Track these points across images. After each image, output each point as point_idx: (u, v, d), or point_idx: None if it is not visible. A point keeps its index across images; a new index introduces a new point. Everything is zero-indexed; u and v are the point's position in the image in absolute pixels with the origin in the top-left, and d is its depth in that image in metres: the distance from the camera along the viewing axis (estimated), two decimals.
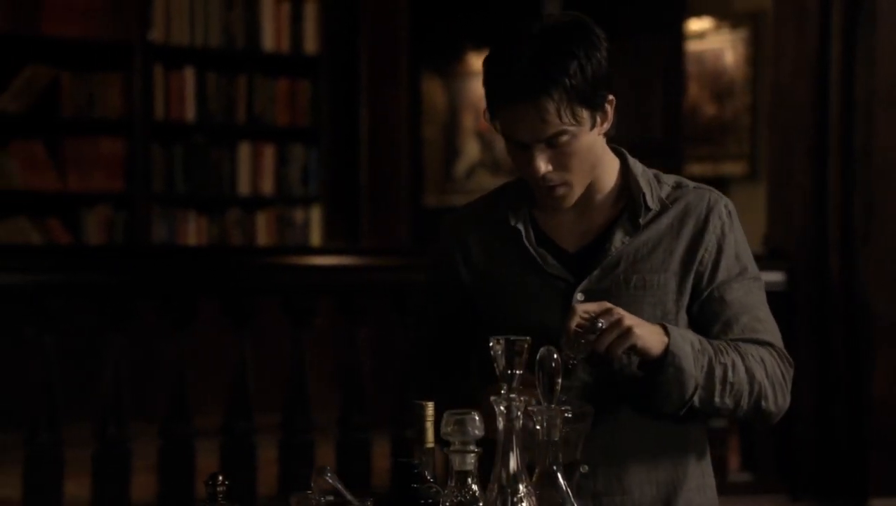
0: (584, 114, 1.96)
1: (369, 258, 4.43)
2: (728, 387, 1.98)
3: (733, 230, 2.07)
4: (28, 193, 5.98)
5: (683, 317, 2.04)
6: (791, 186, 4.62)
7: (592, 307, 1.89)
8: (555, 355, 1.57)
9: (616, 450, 2.01)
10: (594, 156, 2.02)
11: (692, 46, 7.19)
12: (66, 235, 6.02)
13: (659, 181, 2.11)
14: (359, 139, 6.46)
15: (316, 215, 6.49)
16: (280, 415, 3.96)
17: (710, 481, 2.12)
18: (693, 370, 1.95)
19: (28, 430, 3.70)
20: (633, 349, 1.90)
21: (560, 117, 1.93)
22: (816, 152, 4.54)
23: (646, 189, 2.07)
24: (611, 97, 2.00)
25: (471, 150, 7.91)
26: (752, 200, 6.71)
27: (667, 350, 1.92)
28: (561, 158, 1.98)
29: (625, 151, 2.13)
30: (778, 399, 2.04)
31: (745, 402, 2.00)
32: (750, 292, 2.06)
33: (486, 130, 7.00)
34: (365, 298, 4.11)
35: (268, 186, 6.40)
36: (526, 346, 1.53)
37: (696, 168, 7.18)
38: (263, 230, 6.40)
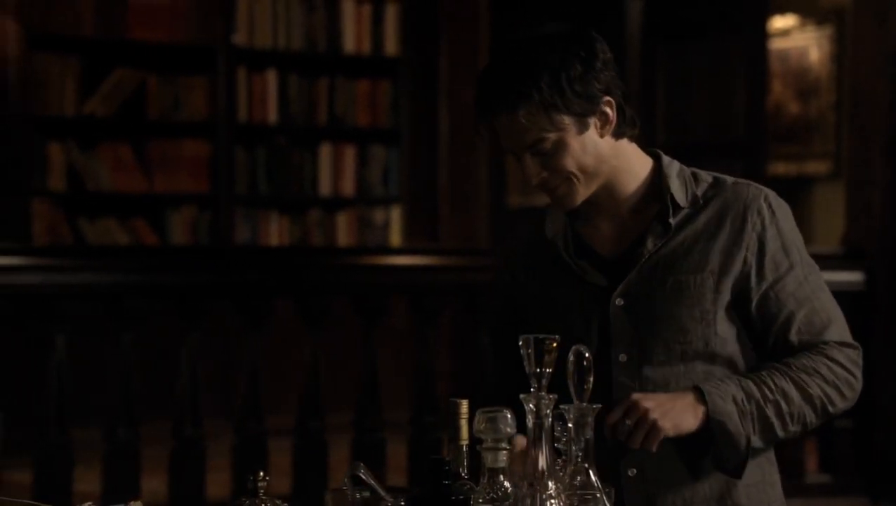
0: (566, 119, 1.98)
1: (443, 258, 4.44)
2: (788, 418, 1.99)
3: (775, 223, 2.05)
4: (116, 194, 6.11)
5: (723, 315, 2.02)
6: (870, 185, 4.56)
7: (618, 413, 1.90)
8: (586, 354, 1.58)
9: (665, 449, 2.01)
10: (595, 155, 2.02)
11: (776, 44, 7.10)
12: (152, 236, 6.14)
13: (696, 179, 2.09)
14: (439, 139, 6.49)
15: (396, 216, 6.54)
16: (353, 413, 4.00)
17: (775, 477, 2.11)
18: (740, 428, 1.96)
19: (107, 426, 3.79)
20: (668, 438, 1.91)
21: (534, 126, 1.97)
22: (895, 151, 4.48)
23: (677, 188, 2.06)
24: (607, 99, 2.00)
25: None
26: (838, 199, 6.62)
27: (707, 418, 1.93)
28: (553, 163, 2.00)
29: (660, 152, 2.13)
30: (846, 394, 2.04)
31: (811, 419, 2.01)
32: (804, 283, 2.05)
33: None
34: (439, 298, 4.14)
35: (348, 186, 6.46)
36: (554, 344, 1.54)
37: (780, 167, 7.10)
38: (344, 231, 6.46)
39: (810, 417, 2.01)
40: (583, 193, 2.04)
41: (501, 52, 2.02)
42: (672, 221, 2.04)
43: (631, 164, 2.08)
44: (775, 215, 2.06)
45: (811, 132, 7.07)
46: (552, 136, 1.98)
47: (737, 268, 2.03)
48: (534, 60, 1.96)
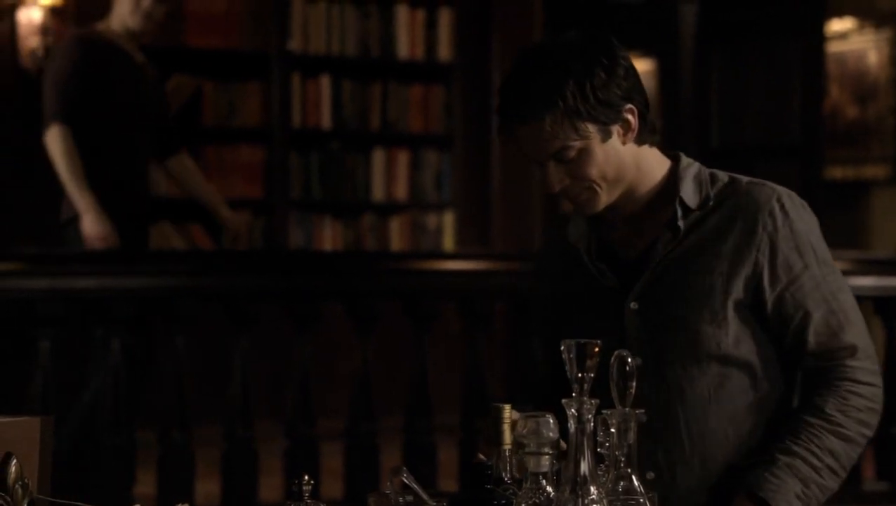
0: (590, 127, 1.98)
1: (495, 263, 4.45)
2: (841, 471, 2.01)
3: (788, 224, 2.03)
4: (172, 199, 6.17)
5: (735, 317, 2.01)
6: None
7: None
8: (629, 359, 1.58)
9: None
10: (618, 163, 2.02)
11: (833, 47, 7.03)
12: (207, 241, 6.19)
13: (713, 180, 2.08)
14: (491, 145, 6.49)
15: (449, 221, 6.55)
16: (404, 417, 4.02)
17: None
18: None
19: (161, 429, 3.83)
20: None
21: (559, 135, 1.97)
22: None
23: (689, 191, 2.05)
24: (629, 106, 2.00)
25: None
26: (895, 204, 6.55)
27: None
28: (575, 170, 2.01)
29: (681, 155, 2.12)
30: (877, 409, 2.04)
31: (858, 454, 2.03)
32: (821, 284, 2.03)
33: None
34: (490, 302, 4.14)
35: (401, 191, 6.48)
36: (596, 349, 1.54)
37: (838, 171, 7.03)
38: (397, 235, 6.48)
39: (856, 453, 2.02)
40: (605, 199, 2.04)
41: (522, 60, 2.01)
42: (681, 223, 2.04)
43: (652, 169, 2.08)
44: (788, 216, 2.03)
45: (869, 136, 6.99)
46: (577, 144, 1.98)
47: (748, 269, 2.02)
48: (558, 69, 1.97)
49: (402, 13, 6.46)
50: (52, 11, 5.76)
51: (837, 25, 7.07)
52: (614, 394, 1.58)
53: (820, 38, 6.87)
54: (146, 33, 4.51)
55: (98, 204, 4.08)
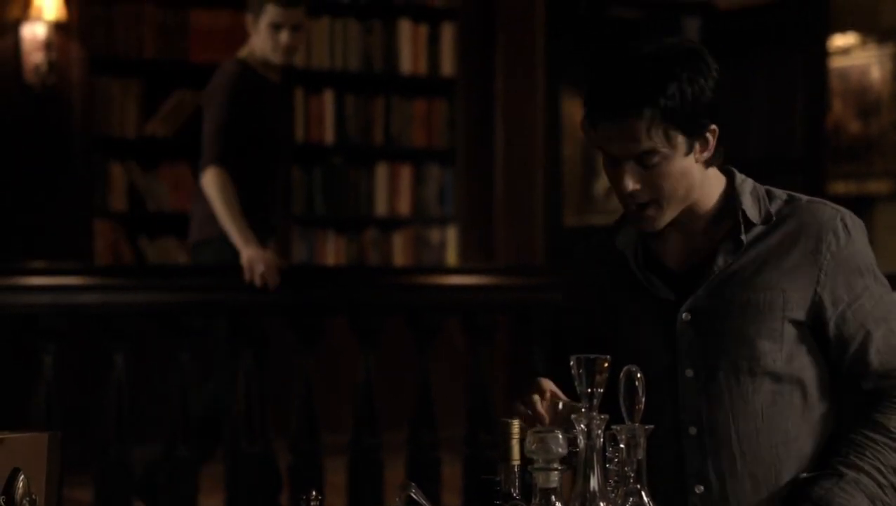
0: (679, 138, 1.97)
1: (498, 277, 4.45)
2: None
3: (850, 244, 2.03)
4: (175, 214, 6.17)
5: (792, 334, 2.01)
6: None
7: None
8: (637, 374, 1.57)
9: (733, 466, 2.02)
10: (689, 182, 2.02)
11: (836, 62, 7.04)
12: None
13: (770, 197, 2.08)
14: (494, 160, 6.50)
15: (452, 235, 6.55)
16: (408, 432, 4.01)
17: None
18: None
19: (165, 445, 3.82)
20: None
21: (651, 137, 1.95)
22: None
23: (749, 206, 2.05)
24: (713, 127, 2.00)
25: None
26: None
27: None
28: (651, 179, 1.99)
29: (734, 170, 2.12)
30: None
31: None
32: (879, 303, 2.03)
33: None
34: (493, 316, 4.14)
35: (404, 206, 6.48)
36: (605, 364, 1.54)
37: (840, 186, 7.02)
38: (400, 250, 6.48)
39: None
40: (667, 217, 2.03)
41: (621, 57, 1.99)
42: (744, 237, 2.03)
43: (712, 188, 2.07)
44: (851, 236, 2.04)
45: (872, 151, 7.00)
46: (663, 150, 1.97)
47: (809, 289, 2.02)
48: (663, 68, 1.95)
49: (404, 28, 6.47)
50: (57, 27, 5.77)
51: (840, 41, 7.07)
52: (623, 410, 1.58)
53: (823, 54, 6.88)
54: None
55: (254, 236, 4.05)
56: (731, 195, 2.07)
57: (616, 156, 1.99)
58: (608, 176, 2.03)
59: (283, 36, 4.25)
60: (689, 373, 2.01)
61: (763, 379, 2.01)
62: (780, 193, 2.09)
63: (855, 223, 2.06)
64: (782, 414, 2.02)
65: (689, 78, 1.95)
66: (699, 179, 2.04)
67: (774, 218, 2.05)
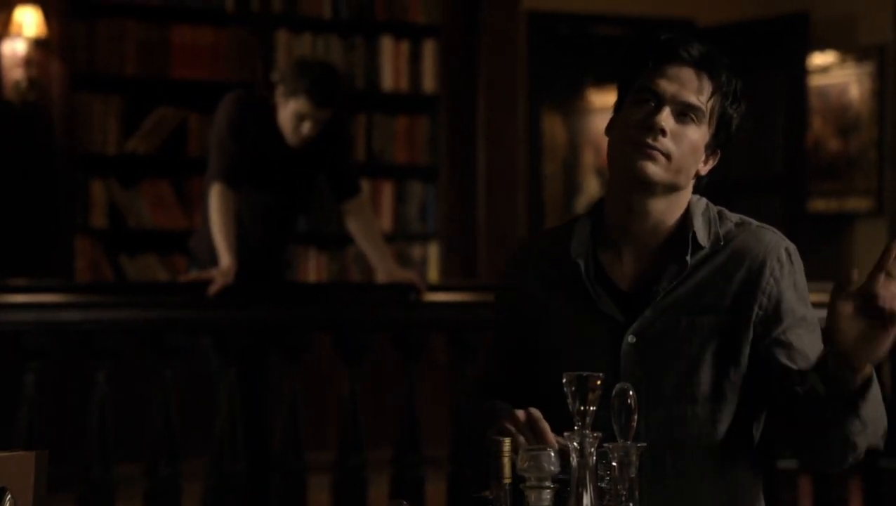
0: (711, 125, 2.02)
1: (480, 294, 4.44)
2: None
3: (793, 274, 2.04)
4: (156, 231, 6.15)
5: (733, 358, 2.01)
6: None
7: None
8: (630, 392, 1.57)
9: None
10: (689, 163, 2.03)
11: (816, 81, 7.08)
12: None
13: (722, 218, 2.08)
14: (476, 176, 6.50)
15: (434, 252, 6.55)
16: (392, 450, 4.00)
17: None
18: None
19: (148, 462, 3.80)
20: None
21: (702, 98, 2.00)
22: None
23: (700, 227, 2.04)
24: (719, 152, 2.06)
25: (591, 186, 7.90)
26: (880, 236, 6.57)
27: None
28: (678, 131, 2.00)
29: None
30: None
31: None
32: (816, 337, 2.03)
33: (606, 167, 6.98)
34: (477, 333, 4.13)
35: (386, 222, 6.47)
36: (598, 382, 1.53)
37: (821, 204, 7.06)
38: None
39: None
40: (663, 175, 2.00)
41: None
42: (689, 259, 2.02)
43: (680, 203, 2.07)
44: (794, 266, 2.05)
45: (852, 169, 7.04)
46: (702, 118, 2.01)
47: (751, 312, 2.01)
48: (724, 56, 2.05)
49: (386, 45, 6.48)
50: (37, 43, 5.76)
51: (820, 59, 7.12)
52: (616, 427, 1.58)
53: (802, 72, 6.92)
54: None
55: (234, 259, 4.06)
56: (686, 215, 2.06)
57: (664, 95, 1.99)
58: (632, 118, 2.01)
59: (306, 127, 4.26)
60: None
61: (704, 403, 2.00)
62: (732, 216, 2.09)
63: (797, 257, 2.07)
64: (720, 440, 2.01)
65: (737, 92, 2.04)
66: (685, 189, 2.05)
67: (722, 242, 2.05)
